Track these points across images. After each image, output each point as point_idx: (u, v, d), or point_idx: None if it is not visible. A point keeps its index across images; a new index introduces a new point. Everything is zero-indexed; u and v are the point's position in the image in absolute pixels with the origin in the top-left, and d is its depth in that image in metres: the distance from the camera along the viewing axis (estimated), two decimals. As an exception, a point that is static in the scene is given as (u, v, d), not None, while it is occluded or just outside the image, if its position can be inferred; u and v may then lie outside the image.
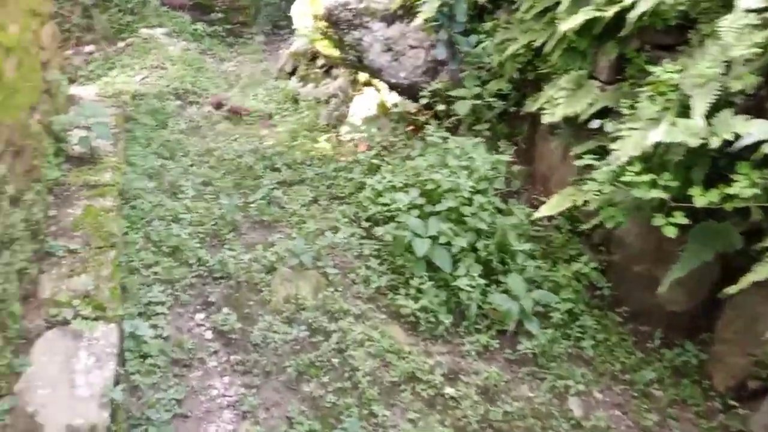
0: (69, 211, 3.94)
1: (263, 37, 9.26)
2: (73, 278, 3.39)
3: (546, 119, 3.56)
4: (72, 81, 7.39)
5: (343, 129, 5.84)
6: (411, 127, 4.89)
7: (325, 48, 5.39)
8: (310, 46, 5.68)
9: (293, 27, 9.82)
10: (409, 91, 4.73)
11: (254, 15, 9.02)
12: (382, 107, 5.53)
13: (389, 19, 4.81)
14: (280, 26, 10.03)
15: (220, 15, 8.56)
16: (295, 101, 6.88)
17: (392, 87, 4.91)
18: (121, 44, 7.87)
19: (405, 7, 4.75)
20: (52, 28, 5.09)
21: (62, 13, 7.89)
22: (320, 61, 6.90)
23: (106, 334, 3.07)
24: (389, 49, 4.77)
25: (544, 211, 3.55)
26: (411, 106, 4.77)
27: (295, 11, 5.81)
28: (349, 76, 6.19)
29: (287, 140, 5.98)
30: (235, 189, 5.04)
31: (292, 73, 7.34)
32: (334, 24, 5.01)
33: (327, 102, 6.55)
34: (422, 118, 4.63)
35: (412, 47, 4.67)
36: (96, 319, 3.13)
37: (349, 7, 4.89)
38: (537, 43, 3.66)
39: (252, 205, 4.73)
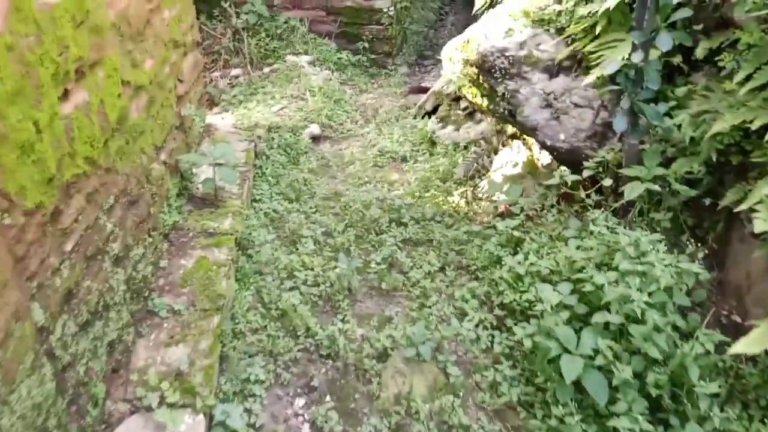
0: (181, 262, 3.68)
1: (406, 68, 8.88)
2: (171, 348, 3.07)
3: (759, 226, 2.69)
4: (214, 104, 7.48)
5: (482, 184, 5.21)
6: (565, 198, 4.14)
7: (474, 96, 4.80)
8: (454, 89, 5.11)
9: (438, 59, 9.48)
10: (569, 157, 4.00)
11: (399, 45, 8.67)
12: (531, 166, 4.82)
13: (553, 70, 4.12)
14: (425, 56, 9.62)
15: (365, 44, 8.29)
16: (432, 144, 6.36)
17: (547, 149, 4.19)
18: (266, 69, 7.85)
19: (574, 58, 4.03)
20: (194, 58, 4.98)
21: (214, 35, 8.04)
22: (464, 103, 6.33)
23: (191, 428, 2.67)
24: (549, 105, 4.08)
25: (741, 348, 2.68)
26: (568, 173, 4.02)
27: (444, 54, 5.28)
28: (495, 124, 5.56)
29: (418, 190, 5.46)
30: (356, 244, 4.59)
31: (433, 111, 6.84)
32: (487, 72, 4.41)
33: (466, 148, 5.95)
34: (582, 192, 3.86)
35: (576, 106, 3.94)
36: (183, 406, 2.76)
37: (507, 53, 4.27)
38: (753, 126, 2.81)
39: (372, 267, 4.24)
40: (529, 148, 4.94)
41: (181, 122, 4.52)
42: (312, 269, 4.15)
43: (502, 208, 4.78)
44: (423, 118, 6.97)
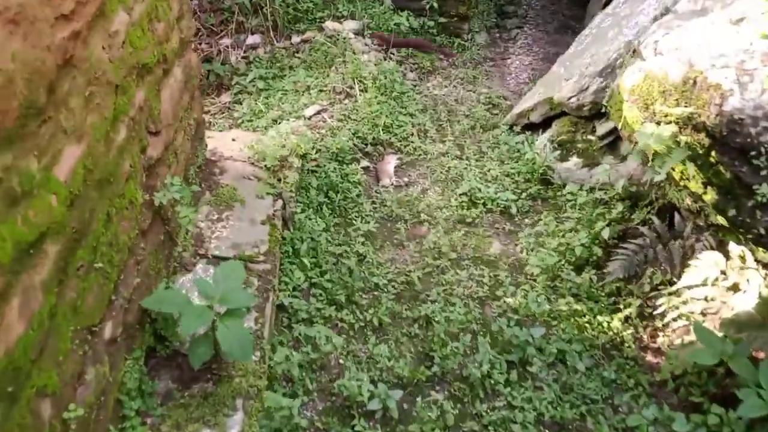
0: None
1: (485, 35, 6.51)
2: None
3: None
4: (222, 89, 5.30)
5: (660, 305, 3.15)
6: None
7: (686, 178, 2.65)
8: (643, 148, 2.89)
9: (524, 20, 6.97)
10: None
11: (474, 2, 6.26)
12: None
13: None
14: (506, 13, 7.18)
15: (434, 2, 5.91)
16: (546, 184, 4.23)
17: None
18: (295, 39, 5.57)
19: None
20: (182, 73, 2.88)
21: (222, -14, 5.71)
22: (602, 127, 4.12)
23: None
24: None
25: None
26: None
27: (625, 84, 3.06)
28: (692, 200, 3.38)
29: (543, 291, 3.40)
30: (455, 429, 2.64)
31: (542, 124, 4.63)
32: (736, 151, 2.25)
33: (607, 206, 3.82)
34: None
35: None
36: None
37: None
38: None
39: None
40: (756, 266, 2.82)
41: (152, 220, 2.46)
42: None
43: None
44: (524, 132, 4.77)
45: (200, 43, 5.62)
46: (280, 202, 3.48)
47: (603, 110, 4.07)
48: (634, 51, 3.24)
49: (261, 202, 3.42)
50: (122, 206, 2.14)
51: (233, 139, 4.00)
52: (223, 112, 5.13)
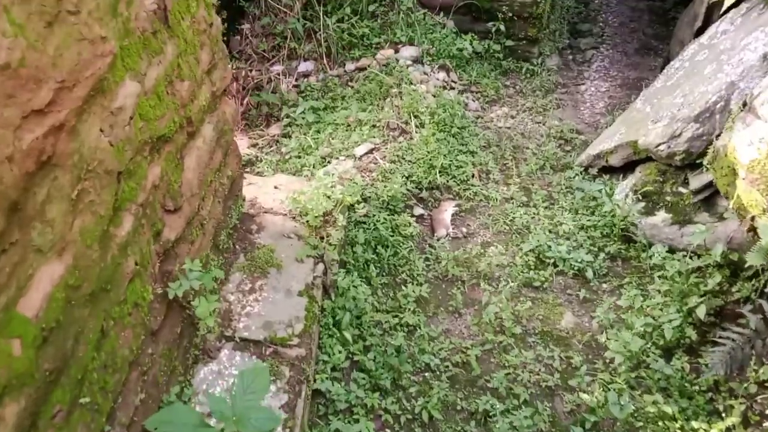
0: None
1: (557, 59, 5.95)
2: None
3: None
4: (270, 120, 5.00)
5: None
6: None
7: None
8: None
9: (602, 35, 6.30)
10: None
11: (545, 23, 5.71)
12: None
13: None
14: (579, 32, 6.58)
15: (500, 25, 5.42)
16: (628, 243, 3.68)
17: None
18: (349, 66, 5.21)
19: None
20: (213, 130, 2.53)
21: (277, 6, 5.42)
22: (697, 180, 3.53)
23: None
24: None
25: None
26: None
27: (741, 156, 2.52)
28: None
29: (623, 381, 2.87)
30: None
31: (623, 168, 4.07)
32: None
33: (700, 273, 3.25)
34: None
35: None
36: None
37: None
38: None
39: None
40: None
41: (167, 313, 2.12)
42: None
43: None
44: (600, 175, 4.22)
45: (251, 70, 5.35)
46: (321, 266, 3.11)
47: (698, 161, 3.50)
48: (745, 104, 2.67)
49: (300, 267, 3.05)
50: (123, 314, 1.81)
51: (276, 187, 3.66)
52: (271, 146, 4.82)
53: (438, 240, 3.80)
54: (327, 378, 2.80)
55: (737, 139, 2.53)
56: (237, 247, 3.07)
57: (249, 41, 5.49)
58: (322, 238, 3.24)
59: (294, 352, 2.62)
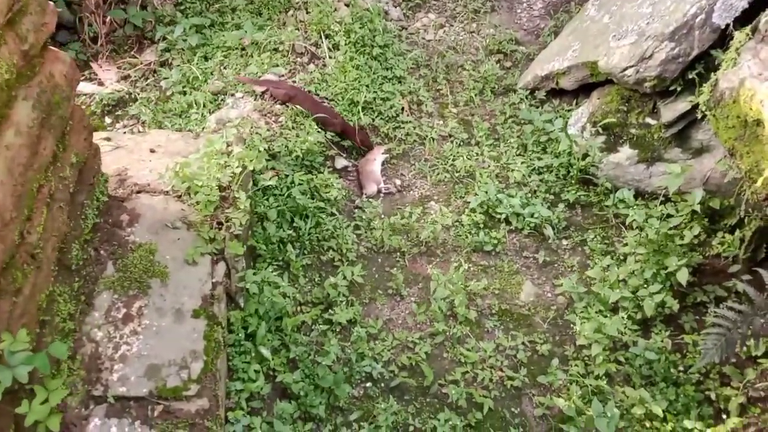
0: None
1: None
2: None
3: None
4: (144, 40, 3.96)
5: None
6: None
7: None
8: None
9: None
10: None
11: None
12: None
13: None
14: None
15: None
16: (588, 186, 3.15)
17: None
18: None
19: None
20: (35, 110, 1.62)
21: None
22: (669, 110, 2.96)
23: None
24: None
25: None
26: None
27: (763, 101, 1.91)
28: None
29: (603, 373, 2.43)
30: None
31: (576, 92, 3.45)
32: None
33: (679, 227, 2.78)
34: None
35: None
36: None
37: None
38: None
39: None
40: None
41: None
42: None
43: None
44: (549, 100, 3.59)
45: (109, -22, 4.15)
46: (222, 266, 2.37)
47: (671, 87, 2.92)
48: (755, 30, 2.05)
49: (192, 271, 2.30)
50: None
51: (152, 150, 2.79)
52: (147, 78, 3.82)
53: (368, 200, 3.12)
54: (243, 414, 2.17)
55: (757, 84, 1.94)
56: (102, 252, 2.26)
57: (102, -63, 4.22)
58: (219, 224, 2.47)
59: (193, 406, 1.95)
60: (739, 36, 2.33)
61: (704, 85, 2.50)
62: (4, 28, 1.62)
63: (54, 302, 1.85)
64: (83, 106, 3.48)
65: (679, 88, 2.89)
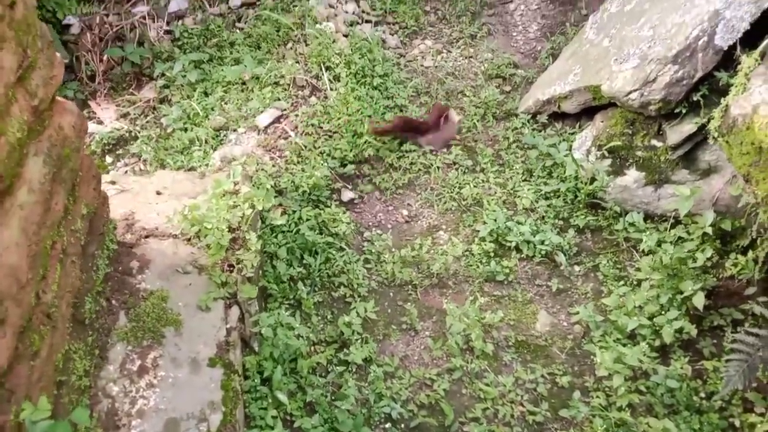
0: None
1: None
2: None
3: None
4: (143, 77, 3.95)
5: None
6: None
7: None
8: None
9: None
10: None
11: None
12: None
13: None
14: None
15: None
16: (596, 210, 3.13)
17: None
18: (235, 1, 4.12)
19: None
20: (46, 165, 1.59)
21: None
22: (675, 132, 2.96)
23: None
24: None
25: None
26: None
27: None
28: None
29: (625, 404, 2.40)
30: None
31: (579, 115, 3.45)
32: None
33: (691, 252, 2.77)
34: None
35: None
36: None
37: None
38: None
39: None
40: None
41: None
42: None
43: None
44: (552, 123, 3.59)
45: (107, 14, 4.15)
46: (235, 311, 2.34)
47: (676, 110, 2.92)
48: (763, 56, 2.06)
49: (206, 317, 2.26)
50: None
51: (158, 193, 2.76)
52: (146, 115, 3.80)
53: (377, 232, 3.09)
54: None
55: (763, 108, 1.94)
56: (113, 302, 2.22)
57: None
58: (231, 266, 2.44)
59: (213, 460, 1.90)
60: (747, 61, 2.34)
61: (710, 107, 2.50)
62: (15, 85, 1.60)
63: (70, 360, 1.81)
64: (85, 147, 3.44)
65: (684, 111, 2.90)
